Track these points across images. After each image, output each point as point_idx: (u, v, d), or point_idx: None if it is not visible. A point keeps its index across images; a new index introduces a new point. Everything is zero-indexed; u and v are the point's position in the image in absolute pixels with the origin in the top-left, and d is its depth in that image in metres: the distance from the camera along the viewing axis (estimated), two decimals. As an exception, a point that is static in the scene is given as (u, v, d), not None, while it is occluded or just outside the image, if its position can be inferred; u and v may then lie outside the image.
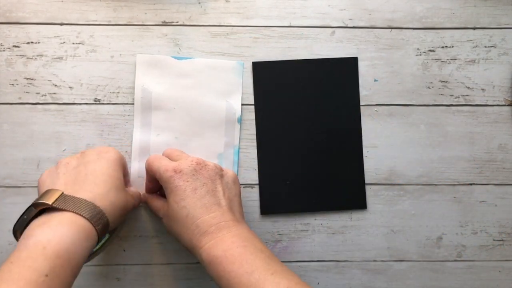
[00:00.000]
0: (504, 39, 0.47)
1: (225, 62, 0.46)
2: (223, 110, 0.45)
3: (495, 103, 0.47)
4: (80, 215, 0.32)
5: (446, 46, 0.47)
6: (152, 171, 0.39)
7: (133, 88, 0.46)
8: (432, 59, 0.47)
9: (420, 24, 0.47)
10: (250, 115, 0.46)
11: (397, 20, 0.47)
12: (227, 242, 0.35)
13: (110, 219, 0.35)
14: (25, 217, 0.33)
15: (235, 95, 0.46)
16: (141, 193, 0.44)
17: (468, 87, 0.47)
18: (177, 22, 0.46)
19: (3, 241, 0.45)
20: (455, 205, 0.46)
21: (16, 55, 0.45)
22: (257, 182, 0.46)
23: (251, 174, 0.46)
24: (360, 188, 0.46)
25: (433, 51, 0.47)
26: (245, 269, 0.33)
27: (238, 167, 0.46)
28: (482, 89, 0.47)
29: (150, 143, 0.45)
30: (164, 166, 0.38)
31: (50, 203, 0.32)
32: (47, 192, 0.34)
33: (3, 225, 0.45)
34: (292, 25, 0.47)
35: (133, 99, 0.45)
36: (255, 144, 0.46)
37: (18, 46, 0.45)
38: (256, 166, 0.46)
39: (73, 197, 0.33)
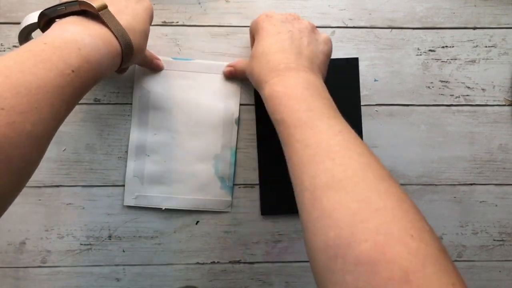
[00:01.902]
0: (504, 39, 0.47)
1: (224, 64, 0.46)
2: (221, 112, 0.45)
3: (495, 103, 0.47)
4: (115, 34, 0.33)
5: (446, 46, 0.47)
6: (251, 24, 0.42)
7: (133, 88, 0.45)
8: (432, 59, 0.47)
9: (420, 24, 0.47)
10: (250, 115, 0.46)
11: (397, 20, 0.47)
12: (292, 81, 0.35)
13: (135, 52, 0.36)
14: (63, 7, 0.33)
15: (233, 97, 0.46)
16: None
17: (469, 87, 0.47)
18: (177, 22, 0.46)
19: (3, 241, 0.45)
20: (455, 205, 0.46)
21: (16, 55, 0.45)
22: (257, 182, 0.46)
23: (251, 174, 0.46)
24: (360, 188, 0.46)
25: (433, 51, 0.47)
26: (301, 106, 0.32)
27: (235, 168, 0.46)
28: (483, 89, 0.47)
29: (146, 142, 0.45)
30: (261, 14, 0.41)
31: (96, 8, 0.32)
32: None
33: (2, 225, 0.45)
34: (292, 25, 0.46)
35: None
36: (255, 144, 0.46)
37: (18, 46, 0.45)
38: (256, 166, 0.46)
39: (115, 18, 0.33)
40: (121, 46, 0.33)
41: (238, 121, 0.45)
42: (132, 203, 0.45)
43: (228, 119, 0.45)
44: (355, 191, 0.26)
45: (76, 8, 0.33)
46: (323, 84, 0.37)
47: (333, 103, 0.35)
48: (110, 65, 0.33)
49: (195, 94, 0.45)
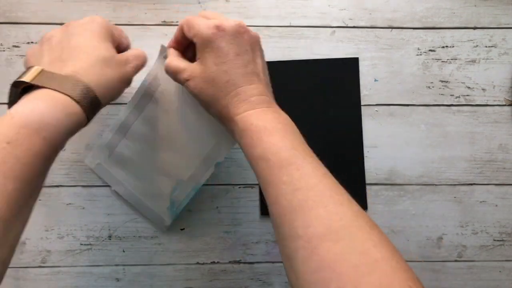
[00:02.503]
0: (504, 39, 0.47)
1: None
2: (209, 148, 0.43)
3: (495, 103, 0.47)
4: (59, 90, 0.29)
5: (447, 46, 0.47)
6: (189, 26, 0.35)
7: (133, 88, 0.45)
8: (433, 59, 0.47)
9: (420, 24, 0.47)
10: (250, 115, 0.46)
11: (398, 20, 0.47)
12: (269, 115, 0.33)
13: (99, 93, 0.32)
14: (11, 99, 0.31)
15: (229, 140, 0.42)
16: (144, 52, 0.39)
17: (469, 87, 0.47)
18: (177, 22, 0.46)
19: (3, 241, 0.45)
20: (455, 205, 0.46)
21: (16, 55, 0.45)
22: (257, 182, 0.46)
23: (251, 174, 0.46)
24: (360, 188, 0.46)
25: (434, 51, 0.47)
26: (285, 144, 0.31)
27: (189, 201, 0.44)
28: (483, 89, 0.47)
29: (131, 126, 0.44)
30: (205, 22, 0.34)
31: (28, 81, 0.29)
32: (28, 70, 0.31)
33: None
34: (292, 25, 0.47)
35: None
36: (255, 144, 0.46)
37: (18, 46, 0.45)
38: (256, 166, 0.46)
39: (53, 74, 0.30)
40: (68, 95, 0.30)
41: (218, 165, 0.43)
42: (92, 166, 0.45)
43: (211, 158, 0.43)
44: (354, 242, 0.26)
45: (17, 91, 0.30)
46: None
47: (296, 128, 0.34)
48: (66, 117, 0.29)
49: (198, 114, 0.42)
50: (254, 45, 0.35)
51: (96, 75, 0.32)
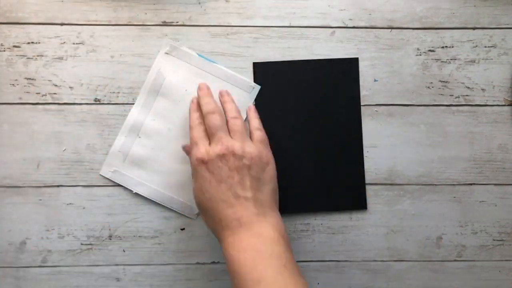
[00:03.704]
0: (504, 39, 0.47)
1: (244, 79, 0.46)
2: None
3: (495, 103, 0.47)
4: None
5: (446, 46, 0.47)
6: (190, 144, 0.40)
7: (133, 88, 0.46)
8: (432, 59, 0.47)
9: (420, 24, 0.47)
10: (250, 115, 0.46)
11: (397, 20, 0.47)
12: (244, 243, 0.35)
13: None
14: None
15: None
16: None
17: (468, 87, 0.47)
18: (177, 22, 0.46)
19: (3, 241, 0.45)
20: (455, 205, 0.46)
21: (16, 55, 0.45)
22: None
23: (251, 174, 0.46)
24: (360, 188, 0.46)
25: (433, 51, 0.47)
26: (253, 276, 0.33)
27: None
28: (482, 89, 0.47)
29: (143, 124, 0.45)
30: (195, 152, 0.38)
31: None
32: None
33: (3, 225, 0.45)
34: (292, 25, 0.47)
35: (133, 99, 0.45)
36: (255, 144, 0.46)
37: (18, 46, 0.45)
38: (256, 166, 0.46)
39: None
40: None
41: None
42: (108, 175, 0.45)
43: None
44: None
45: None
46: (280, 230, 0.37)
47: (289, 258, 0.35)
48: None
49: None
50: (241, 167, 0.37)
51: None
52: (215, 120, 0.40)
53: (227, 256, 0.36)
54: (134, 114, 0.45)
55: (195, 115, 0.41)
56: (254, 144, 0.39)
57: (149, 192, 0.45)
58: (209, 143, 0.39)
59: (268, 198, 0.38)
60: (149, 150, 0.45)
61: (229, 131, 0.40)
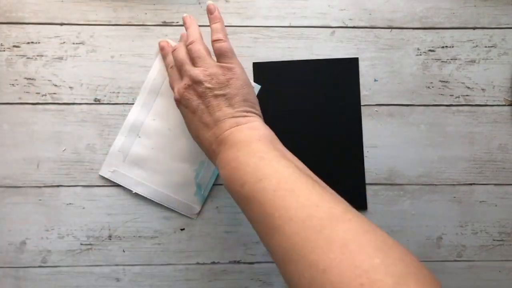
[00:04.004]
0: (504, 39, 0.47)
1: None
2: None
3: (495, 103, 0.47)
4: None
5: (446, 46, 0.47)
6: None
7: (133, 88, 0.46)
8: (432, 59, 0.47)
9: (420, 24, 0.47)
10: (250, 115, 0.46)
11: (397, 20, 0.47)
12: (224, 159, 0.36)
13: None
14: None
15: None
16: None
17: (468, 87, 0.47)
18: (177, 22, 0.46)
19: (3, 241, 0.45)
20: (455, 205, 0.46)
21: (17, 55, 0.45)
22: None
23: (251, 174, 0.46)
24: (360, 188, 0.46)
25: (433, 51, 0.47)
26: (238, 183, 0.33)
27: (215, 181, 0.45)
28: (482, 89, 0.47)
29: (143, 124, 0.45)
30: (174, 93, 0.41)
31: None
32: None
33: (3, 225, 0.45)
34: (292, 25, 0.47)
35: (133, 99, 0.45)
36: (255, 144, 0.46)
37: (18, 46, 0.45)
38: (256, 166, 0.46)
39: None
40: None
41: None
42: (107, 175, 0.45)
43: None
44: (303, 258, 0.26)
45: None
46: (251, 127, 0.37)
47: (259, 146, 0.35)
48: None
49: None
50: (204, 92, 0.38)
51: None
52: (178, 54, 0.41)
53: (222, 175, 0.36)
54: (134, 114, 0.45)
55: (165, 62, 0.44)
56: (213, 63, 0.39)
57: (148, 192, 0.45)
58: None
59: (240, 108, 0.38)
60: (149, 150, 0.45)
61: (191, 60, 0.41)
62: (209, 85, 0.38)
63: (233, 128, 0.37)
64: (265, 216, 0.30)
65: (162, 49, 0.45)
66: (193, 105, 0.39)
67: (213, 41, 0.40)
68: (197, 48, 0.40)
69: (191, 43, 0.40)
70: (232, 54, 0.40)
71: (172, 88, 0.41)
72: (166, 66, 0.44)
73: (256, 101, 0.40)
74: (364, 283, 0.23)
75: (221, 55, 0.40)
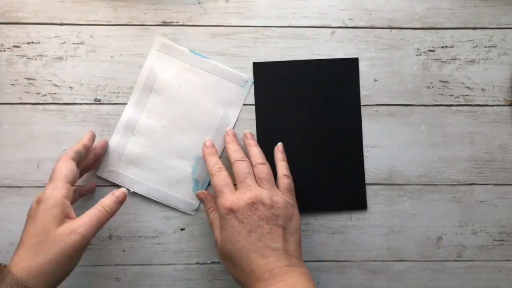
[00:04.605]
0: (504, 39, 0.47)
1: (237, 73, 0.46)
2: (218, 118, 0.45)
3: (495, 103, 0.47)
4: None
5: (446, 46, 0.47)
6: (204, 195, 0.42)
7: (133, 88, 0.46)
8: (432, 59, 0.47)
9: (420, 24, 0.47)
10: (250, 115, 0.46)
11: (397, 20, 0.47)
12: None
13: (34, 280, 0.34)
14: None
15: (234, 107, 0.46)
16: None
17: (468, 87, 0.47)
18: (177, 22, 0.46)
19: (4, 241, 0.45)
20: (455, 205, 0.46)
21: (17, 55, 0.45)
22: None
23: (251, 174, 0.46)
24: (360, 188, 0.46)
25: (433, 51, 0.47)
26: None
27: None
28: (482, 89, 0.47)
29: (137, 122, 0.45)
30: (222, 199, 0.38)
31: None
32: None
33: (3, 225, 0.45)
34: (292, 25, 0.47)
35: (133, 99, 0.46)
36: (255, 144, 0.46)
37: (18, 46, 0.45)
38: (256, 166, 0.46)
39: (2, 273, 0.34)
40: None
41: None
42: (104, 175, 0.45)
43: (222, 127, 0.45)
44: None
45: None
46: (310, 279, 0.36)
47: None
48: None
49: (200, 92, 0.45)
50: (270, 217, 0.37)
51: (26, 267, 0.34)
52: (244, 167, 0.40)
53: None
54: (128, 112, 0.45)
55: (213, 160, 0.41)
56: (282, 193, 0.40)
57: (146, 190, 0.45)
58: (236, 191, 0.39)
59: (296, 249, 0.38)
60: (144, 148, 0.45)
61: (255, 178, 0.40)
62: (276, 212, 0.37)
63: (290, 267, 0.36)
64: None
65: (228, 135, 0.43)
66: (252, 223, 0.37)
67: (282, 175, 0.41)
68: (268, 171, 0.40)
69: (262, 164, 0.40)
70: (293, 192, 0.41)
71: (219, 191, 0.39)
72: (213, 162, 0.41)
73: (301, 248, 0.39)
74: None
75: (286, 190, 0.40)
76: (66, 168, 0.38)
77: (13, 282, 0.33)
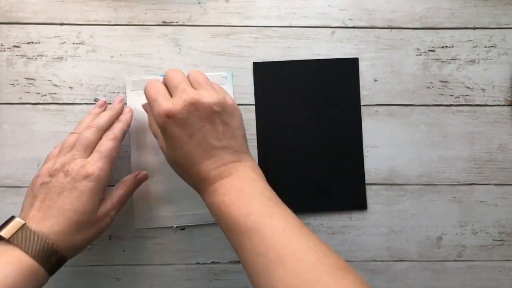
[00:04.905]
0: (504, 39, 0.47)
1: (214, 74, 0.45)
2: None
3: (495, 103, 0.47)
4: (29, 254, 0.33)
5: (446, 46, 0.47)
6: (149, 103, 0.38)
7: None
8: (432, 59, 0.47)
9: (420, 24, 0.47)
10: (250, 115, 0.46)
11: (397, 20, 0.47)
12: (226, 186, 0.35)
13: (67, 253, 0.35)
14: None
15: None
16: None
17: (468, 87, 0.47)
18: (177, 22, 0.46)
19: (3, 241, 0.45)
20: (455, 205, 0.46)
21: (17, 55, 0.45)
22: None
23: (251, 174, 0.46)
24: (360, 188, 0.46)
25: (433, 51, 0.47)
26: (242, 212, 0.33)
27: None
28: (482, 89, 0.47)
29: (148, 164, 0.45)
30: (157, 107, 0.36)
31: (7, 238, 0.33)
32: (11, 220, 0.35)
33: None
34: (292, 25, 0.47)
35: (133, 99, 0.45)
36: (255, 144, 0.46)
37: (18, 46, 0.45)
38: (256, 166, 0.46)
39: (31, 231, 0.34)
40: (36, 259, 0.33)
41: None
42: (143, 225, 0.45)
43: None
44: None
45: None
46: (257, 171, 0.36)
47: (271, 193, 0.35)
48: (30, 282, 0.33)
49: None
50: (211, 115, 0.36)
51: (66, 241, 0.35)
52: (176, 73, 0.38)
53: (211, 203, 0.35)
54: (135, 159, 0.45)
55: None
56: (219, 90, 0.38)
57: (188, 220, 0.45)
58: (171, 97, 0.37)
59: (241, 144, 0.37)
60: (166, 184, 0.45)
61: (190, 84, 0.38)
62: (218, 109, 0.36)
63: (237, 163, 0.36)
64: (270, 250, 0.30)
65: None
66: (194, 126, 0.35)
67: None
68: (204, 75, 0.38)
69: (196, 71, 0.39)
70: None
71: (153, 100, 0.36)
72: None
73: (247, 144, 0.39)
74: None
75: (221, 89, 0.39)
76: (116, 152, 0.39)
77: (52, 254, 0.34)
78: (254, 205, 0.33)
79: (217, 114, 0.36)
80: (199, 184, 0.36)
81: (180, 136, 0.35)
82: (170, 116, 0.35)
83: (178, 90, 0.36)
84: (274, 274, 0.29)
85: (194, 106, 0.35)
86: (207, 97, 0.36)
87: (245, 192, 0.34)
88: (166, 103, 0.35)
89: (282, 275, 0.29)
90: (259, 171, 0.37)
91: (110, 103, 0.45)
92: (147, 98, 0.38)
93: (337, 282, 0.28)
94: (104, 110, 0.42)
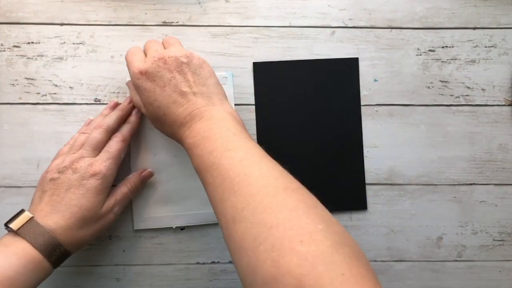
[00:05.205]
0: (504, 39, 0.47)
1: (222, 74, 0.45)
2: None
3: (495, 103, 0.47)
4: (34, 246, 0.35)
5: (446, 46, 0.47)
6: (127, 63, 0.40)
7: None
8: (432, 59, 0.47)
9: (420, 24, 0.47)
10: (250, 115, 0.46)
11: (397, 20, 0.47)
12: (196, 128, 0.36)
13: (71, 248, 0.37)
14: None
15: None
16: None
17: (468, 87, 0.47)
18: (177, 22, 0.46)
19: (3, 241, 0.45)
20: (455, 205, 0.46)
21: (17, 55, 0.45)
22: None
23: (251, 174, 0.46)
24: (360, 188, 0.46)
25: (433, 51, 0.47)
26: (206, 150, 0.34)
27: None
28: (482, 89, 0.47)
29: (148, 164, 0.45)
30: (131, 67, 0.39)
31: (15, 230, 0.35)
32: (20, 213, 0.36)
33: (3, 225, 0.45)
34: (292, 25, 0.47)
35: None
36: (255, 144, 0.46)
37: (18, 46, 0.45)
38: (256, 166, 0.46)
39: (38, 225, 0.35)
40: (40, 251, 0.35)
41: None
42: (142, 226, 0.45)
43: None
44: (254, 216, 0.28)
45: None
46: (230, 112, 0.37)
47: (239, 129, 0.36)
48: (34, 273, 0.34)
49: None
50: (179, 67, 0.38)
51: (70, 236, 0.37)
52: (152, 41, 0.41)
53: (186, 146, 0.36)
54: (135, 159, 0.45)
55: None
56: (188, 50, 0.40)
57: (188, 220, 0.45)
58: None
59: (214, 91, 0.39)
60: (166, 184, 0.45)
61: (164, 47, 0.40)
62: (185, 60, 0.38)
63: (209, 106, 0.37)
64: (226, 180, 0.31)
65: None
66: (164, 78, 0.37)
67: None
68: (174, 38, 0.41)
69: (169, 36, 0.42)
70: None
71: (129, 62, 0.40)
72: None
73: (224, 92, 0.40)
74: (304, 240, 0.25)
75: (190, 52, 0.40)
76: (123, 153, 0.42)
77: (57, 248, 0.36)
78: (218, 142, 0.34)
79: (185, 65, 0.38)
80: (177, 132, 0.38)
81: (154, 89, 0.38)
82: (142, 73, 0.38)
83: (150, 51, 0.39)
84: (227, 202, 0.30)
85: (163, 60, 0.38)
86: (174, 51, 0.39)
87: (212, 131, 0.35)
88: (138, 63, 0.38)
89: (233, 201, 0.30)
90: (234, 113, 0.38)
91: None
92: (126, 62, 0.40)
93: (279, 202, 0.28)
94: None
